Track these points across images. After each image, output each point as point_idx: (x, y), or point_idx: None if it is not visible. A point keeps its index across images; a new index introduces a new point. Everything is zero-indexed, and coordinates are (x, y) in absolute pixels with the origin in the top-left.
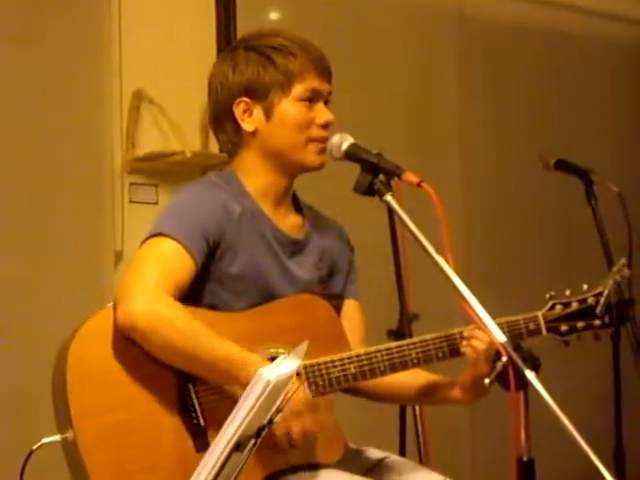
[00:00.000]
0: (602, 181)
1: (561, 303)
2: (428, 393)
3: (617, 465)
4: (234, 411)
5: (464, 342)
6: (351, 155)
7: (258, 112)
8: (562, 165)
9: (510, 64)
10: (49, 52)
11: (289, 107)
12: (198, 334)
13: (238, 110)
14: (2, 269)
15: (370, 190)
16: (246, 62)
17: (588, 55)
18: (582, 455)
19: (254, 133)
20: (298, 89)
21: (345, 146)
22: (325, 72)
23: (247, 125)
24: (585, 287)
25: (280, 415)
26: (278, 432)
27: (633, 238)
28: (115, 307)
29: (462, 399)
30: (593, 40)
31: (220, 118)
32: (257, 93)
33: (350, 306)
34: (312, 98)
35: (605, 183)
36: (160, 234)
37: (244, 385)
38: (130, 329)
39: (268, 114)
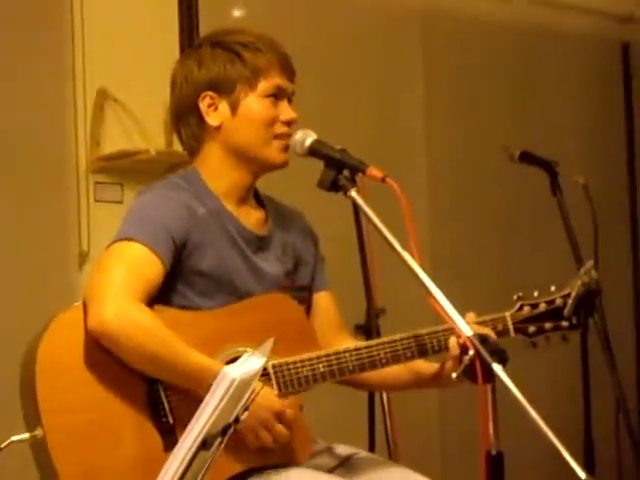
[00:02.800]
0: (567, 173)
1: (529, 304)
2: (412, 379)
3: (586, 456)
4: (199, 409)
5: (451, 338)
6: (314, 151)
7: (223, 107)
8: (526, 157)
9: (475, 59)
10: (10, 51)
11: (255, 102)
12: (168, 340)
13: (203, 104)
14: None
15: (334, 186)
16: (212, 58)
17: (552, 48)
18: (551, 447)
19: (219, 128)
20: (264, 85)
21: (308, 142)
22: (290, 70)
23: (212, 119)
24: (553, 288)
25: (246, 419)
26: (248, 439)
27: (598, 229)
28: (84, 311)
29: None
30: (557, 32)
31: (184, 113)
32: (223, 88)
33: (321, 298)
34: (277, 95)
35: (570, 175)
36: (126, 238)
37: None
38: (100, 334)
39: (234, 109)
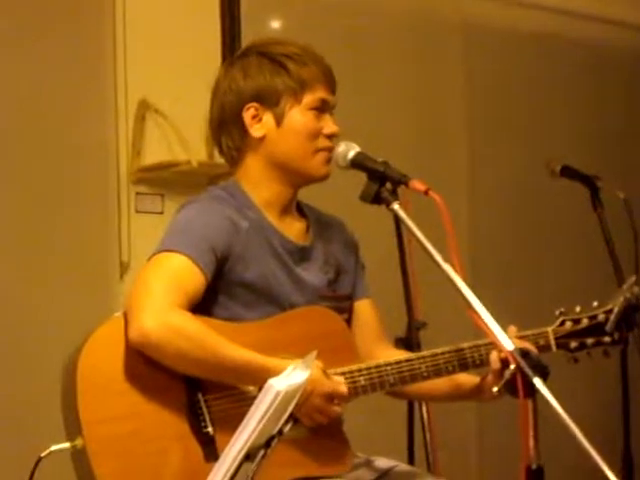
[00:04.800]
0: (608, 187)
1: (571, 319)
2: (452, 391)
3: (625, 470)
4: (244, 421)
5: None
6: (357, 164)
7: (268, 118)
8: (567, 172)
9: (516, 70)
10: (54, 62)
11: (300, 115)
12: (211, 340)
13: (247, 115)
14: (8, 279)
15: (377, 199)
16: (258, 68)
17: (595, 60)
18: (591, 461)
19: (262, 139)
20: (309, 98)
21: (351, 155)
22: (332, 83)
23: (256, 131)
24: (595, 304)
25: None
26: (303, 422)
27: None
28: (126, 323)
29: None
30: (600, 45)
31: (226, 122)
32: (268, 99)
33: (362, 305)
34: (320, 108)
35: (611, 189)
36: (168, 250)
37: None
38: (143, 345)
39: (279, 121)
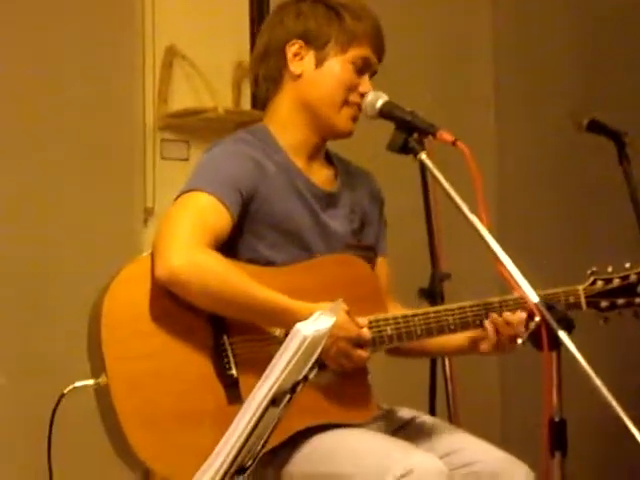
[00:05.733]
0: (635, 143)
1: (602, 279)
2: (458, 345)
3: None
4: (270, 366)
5: (491, 317)
6: (385, 113)
7: (309, 58)
8: (594, 126)
9: (543, 17)
10: (80, 9)
11: (340, 64)
12: (237, 278)
13: (290, 50)
14: (33, 228)
15: (404, 148)
16: (313, 12)
17: (625, 12)
18: (613, 416)
19: (298, 77)
20: (354, 52)
21: (379, 104)
22: (381, 49)
23: (295, 67)
24: (628, 265)
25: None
26: (329, 365)
27: None
28: (152, 263)
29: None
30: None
31: (268, 54)
32: (315, 41)
33: (378, 263)
34: (362, 67)
35: (638, 145)
36: (194, 189)
37: (287, 327)
38: (170, 282)
39: (319, 63)
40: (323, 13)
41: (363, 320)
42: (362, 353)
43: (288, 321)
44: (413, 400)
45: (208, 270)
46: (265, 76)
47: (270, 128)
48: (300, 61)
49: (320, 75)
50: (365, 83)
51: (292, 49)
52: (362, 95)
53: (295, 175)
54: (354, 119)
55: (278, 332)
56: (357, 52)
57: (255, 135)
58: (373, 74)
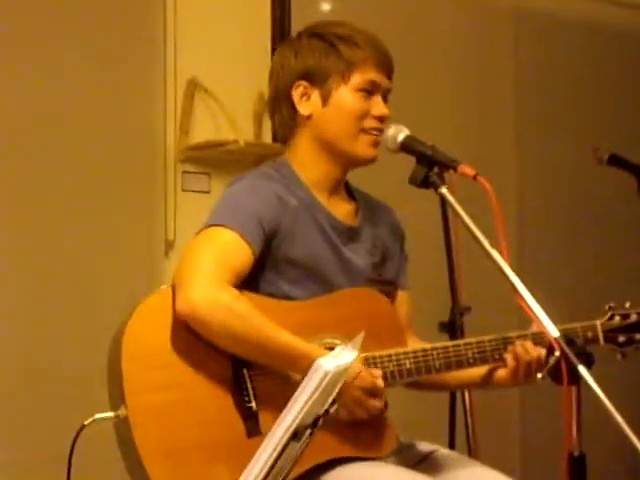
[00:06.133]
0: None
1: (620, 314)
2: (476, 377)
3: None
4: (291, 400)
5: (509, 348)
6: (406, 147)
7: (315, 97)
8: (615, 160)
9: (565, 58)
10: (104, 40)
11: (346, 95)
12: (258, 321)
13: (296, 93)
14: (56, 256)
15: (425, 182)
16: (309, 48)
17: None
18: (633, 450)
19: (309, 117)
20: (357, 79)
21: (401, 138)
22: (386, 67)
23: (303, 109)
24: None
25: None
26: (341, 415)
27: None
28: (174, 295)
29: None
30: None
31: (278, 100)
32: (316, 78)
33: (399, 297)
34: (371, 90)
35: None
36: (216, 224)
37: (303, 373)
38: (189, 317)
39: (325, 99)
40: (319, 47)
41: (377, 371)
42: (376, 403)
43: (305, 367)
44: (433, 434)
45: (229, 310)
46: (280, 123)
47: (291, 163)
48: (307, 102)
49: (329, 112)
50: (377, 106)
51: (297, 92)
52: (378, 118)
53: (317, 210)
54: (375, 144)
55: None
56: (360, 78)
57: (278, 170)
58: (386, 93)
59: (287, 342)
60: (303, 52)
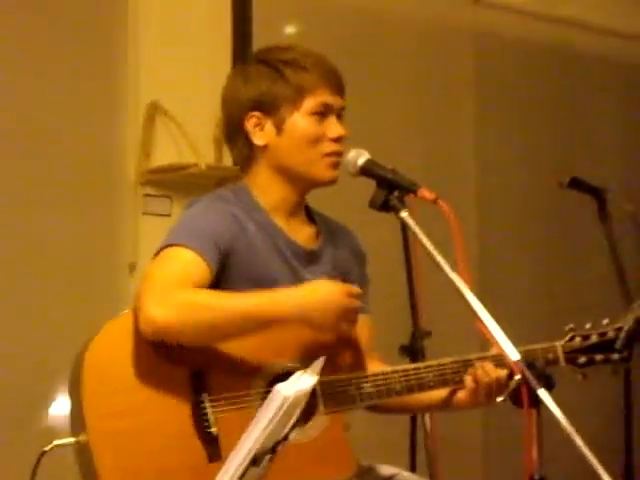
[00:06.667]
0: (616, 200)
1: (581, 335)
2: (436, 400)
3: None
4: (251, 425)
5: (469, 370)
6: (367, 171)
7: (269, 126)
8: (576, 183)
9: (525, 80)
10: (65, 63)
11: (299, 121)
12: (222, 299)
13: (249, 124)
14: (16, 280)
15: (385, 206)
16: (257, 76)
17: (603, 73)
18: (593, 472)
19: (265, 147)
20: (309, 103)
21: (361, 162)
22: (338, 86)
23: (258, 139)
24: (606, 321)
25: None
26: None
27: None
28: (134, 318)
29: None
30: (608, 59)
31: (232, 132)
32: (268, 107)
33: (360, 321)
34: (324, 112)
35: (619, 202)
36: (173, 244)
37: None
38: (154, 332)
39: (279, 128)
40: (266, 74)
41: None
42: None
43: (277, 314)
44: (394, 457)
45: (192, 305)
46: (237, 153)
47: (250, 188)
48: (262, 132)
49: (284, 140)
50: (332, 127)
51: (250, 123)
52: (335, 140)
53: (276, 234)
54: (334, 166)
55: (256, 390)
56: (312, 102)
57: (236, 194)
58: (341, 112)
59: (250, 302)
60: (252, 81)
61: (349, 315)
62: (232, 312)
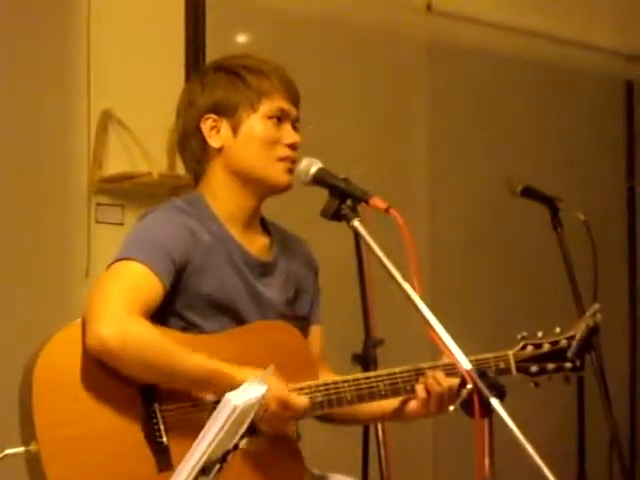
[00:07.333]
0: (568, 209)
1: (533, 344)
2: (388, 410)
3: None
4: (200, 435)
5: (420, 379)
6: (319, 180)
7: (225, 129)
8: (528, 192)
9: (479, 90)
10: (17, 71)
11: (256, 123)
12: (168, 349)
13: (205, 126)
14: None
15: (337, 215)
16: (216, 81)
17: (557, 82)
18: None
19: (220, 150)
20: (266, 107)
21: (313, 170)
22: (294, 96)
23: (214, 141)
24: (558, 330)
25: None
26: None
27: (599, 265)
28: (83, 330)
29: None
30: (561, 67)
31: (187, 135)
32: (225, 110)
33: (312, 331)
34: (280, 117)
35: (571, 210)
36: (126, 258)
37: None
38: (100, 352)
39: (235, 130)
40: (226, 80)
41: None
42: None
43: (219, 385)
44: (346, 466)
45: (139, 340)
46: (191, 158)
47: (205, 197)
48: (218, 134)
49: (240, 142)
50: (287, 133)
51: (206, 125)
52: (290, 146)
53: (230, 245)
54: (289, 171)
55: (209, 397)
56: (269, 106)
57: (191, 204)
58: (295, 122)
59: (198, 363)
60: (210, 86)
61: (275, 423)
62: (178, 367)
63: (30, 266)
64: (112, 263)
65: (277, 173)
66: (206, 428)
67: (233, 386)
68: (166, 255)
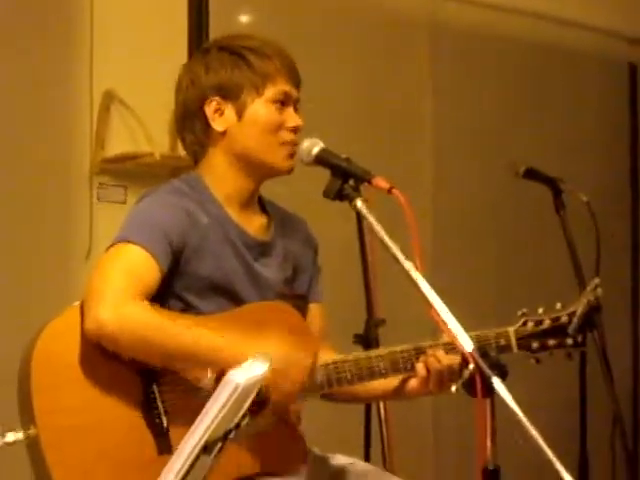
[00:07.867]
0: (571, 190)
1: (533, 320)
2: (389, 388)
3: (581, 470)
4: (202, 413)
5: (421, 357)
6: (321, 160)
7: (229, 112)
8: (531, 174)
9: (483, 72)
10: (19, 52)
11: (261, 108)
12: (169, 326)
13: (209, 109)
14: None
15: (339, 195)
16: (219, 62)
17: (560, 64)
18: (547, 462)
19: (224, 133)
20: (271, 91)
21: (315, 151)
22: (296, 78)
23: (218, 125)
24: (558, 306)
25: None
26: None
27: (601, 246)
28: (82, 313)
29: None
30: (565, 49)
31: (189, 117)
32: (229, 93)
33: (312, 309)
34: (283, 101)
35: (574, 192)
36: (124, 240)
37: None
38: (99, 336)
39: (240, 114)
40: (230, 60)
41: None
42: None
43: (221, 360)
44: (348, 446)
45: (135, 321)
46: (191, 139)
47: (205, 178)
48: (221, 117)
49: (244, 126)
50: (291, 117)
51: (211, 107)
52: (292, 130)
53: (228, 226)
54: (291, 156)
55: (209, 376)
56: (273, 90)
57: (190, 185)
58: (296, 104)
59: (207, 343)
60: (214, 66)
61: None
62: (181, 346)
63: (32, 246)
64: (111, 245)
65: (280, 158)
66: (207, 406)
67: (236, 362)
68: (164, 237)
